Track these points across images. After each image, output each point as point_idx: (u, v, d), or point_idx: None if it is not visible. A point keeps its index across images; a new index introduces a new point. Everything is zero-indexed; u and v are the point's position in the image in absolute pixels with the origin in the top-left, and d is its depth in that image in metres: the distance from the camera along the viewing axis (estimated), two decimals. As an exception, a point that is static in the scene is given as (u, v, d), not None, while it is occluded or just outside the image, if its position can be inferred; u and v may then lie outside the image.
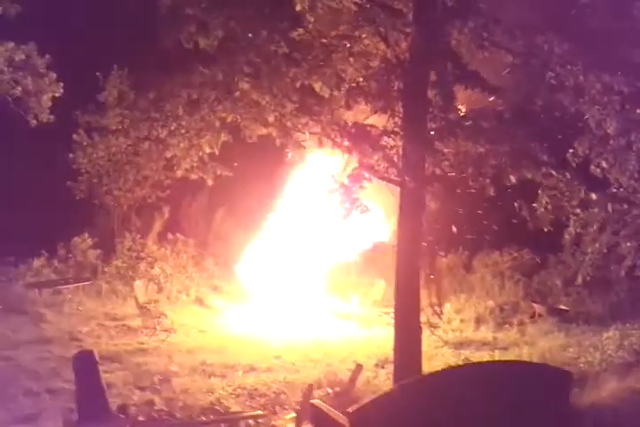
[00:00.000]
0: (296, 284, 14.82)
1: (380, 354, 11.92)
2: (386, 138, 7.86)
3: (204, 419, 8.16)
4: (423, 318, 9.01)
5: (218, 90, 7.83)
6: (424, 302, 9.27)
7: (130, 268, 15.80)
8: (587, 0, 7.37)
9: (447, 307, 13.02)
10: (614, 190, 8.11)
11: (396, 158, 8.02)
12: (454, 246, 14.67)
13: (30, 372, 10.64)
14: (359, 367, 8.46)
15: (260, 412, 8.23)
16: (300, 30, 7.52)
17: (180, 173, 9.78)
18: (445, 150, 7.89)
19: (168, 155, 9.33)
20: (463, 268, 16.05)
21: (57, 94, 14.82)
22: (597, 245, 8.57)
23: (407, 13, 7.65)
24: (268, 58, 7.37)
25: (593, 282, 10.84)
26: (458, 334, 12.76)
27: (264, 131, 8.30)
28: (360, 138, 7.82)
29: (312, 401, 7.07)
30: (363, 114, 8.08)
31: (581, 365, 10.66)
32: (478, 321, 13.72)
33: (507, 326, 13.55)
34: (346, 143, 7.94)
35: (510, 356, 11.30)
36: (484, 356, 11.41)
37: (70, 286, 15.17)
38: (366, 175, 8.35)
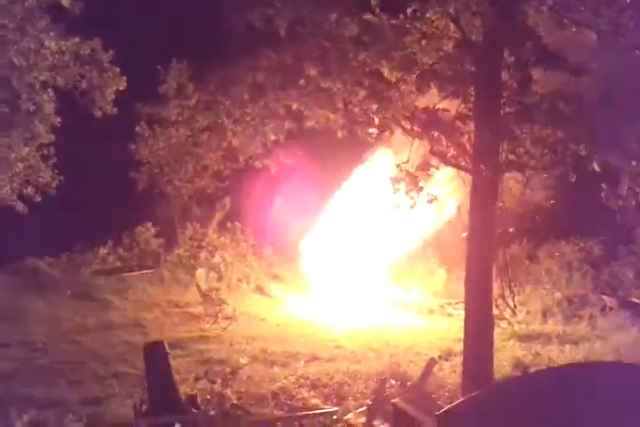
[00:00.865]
0: (357, 272, 14.49)
1: (443, 346, 11.56)
2: (458, 123, 7.41)
3: (281, 414, 7.92)
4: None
5: (284, 74, 7.52)
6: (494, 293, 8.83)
7: (191, 256, 15.80)
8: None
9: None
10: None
11: (468, 145, 7.58)
12: (519, 236, 14.00)
13: (98, 356, 10.77)
14: (432, 362, 8.09)
15: (335, 408, 7.93)
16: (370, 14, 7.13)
17: (242, 160, 9.59)
18: (521, 136, 7.38)
19: (234, 143, 9.10)
20: (527, 258, 15.34)
21: (120, 88, 14.89)
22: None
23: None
24: (337, 41, 7.02)
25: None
26: (524, 326, 12.19)
27: (331, 117, 7.96)
28: (431, 124, 7.40)
29: (393, 401, 6.71)
30: (433, 99, 7.64)
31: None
32: (545, 314, 13.12)
33: (576, 319, 12.90)
34: (416, 129, 7.53)
35: (582, 350, 10.74)
36: (553, 350, 10.88)
37: (135, 273, 15.27)
38: (433, 163, 7.96)
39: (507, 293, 8.49)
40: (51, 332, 11.87)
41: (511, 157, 7.49)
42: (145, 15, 14.66)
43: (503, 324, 11.39)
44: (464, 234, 8.14)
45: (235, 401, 8.08)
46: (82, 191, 15.28)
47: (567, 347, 11.10)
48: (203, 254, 15.84)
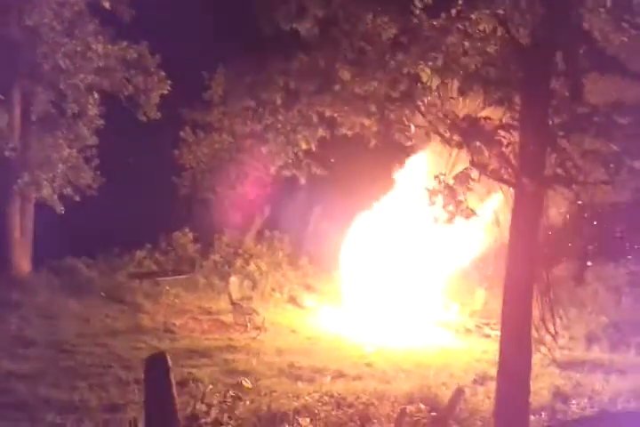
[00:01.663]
0: (392, 287, 13.83)
1: (479, 369, 10.81)
2: (502, 133, 6.76)
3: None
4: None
5: (317, 79, 7.03)
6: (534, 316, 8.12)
7: (226, 263, 15.51)
8: None
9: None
10: None
11: (512, 157, 6.91)
12: (564, 256, 13.09)
13: (123, 360, 10.45)
14: (460, 392, 7.38)
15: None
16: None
17: (273, 170, 9.15)
18: (570, 148, 6.68)
19: (264, 150, 8.67)
20: (572, 280, 14.35)
21: (165, 92, 14.83)
22: None
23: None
24: (373, 43, 6.50)
25: None
26: (567, 352, 11.30)
27: (366, 122, 7.41)
28: (472, 132, 6.77)
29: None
30: (475, 106, 7.02)
31: None
32: (590, 340, 12.18)
33: (623, 346, 11.90)
34: (456, 138, 6.91)
35: (629, 381, 9.82)
36: (597, 379, 9.98)
37: (169, 277, 15.04)
38: (473, 176, 7.31)
39: (548, 316, 7.74)
40: (80, 333, 11.67)
41: (558, 170, 6.79)
42: (189, 19, 14.50)
43: (543, 349, 10.54)
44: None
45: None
46: (123, 194, 15.23)
47: (613, 377, 10.21)
48: (238, 262, 15.52)
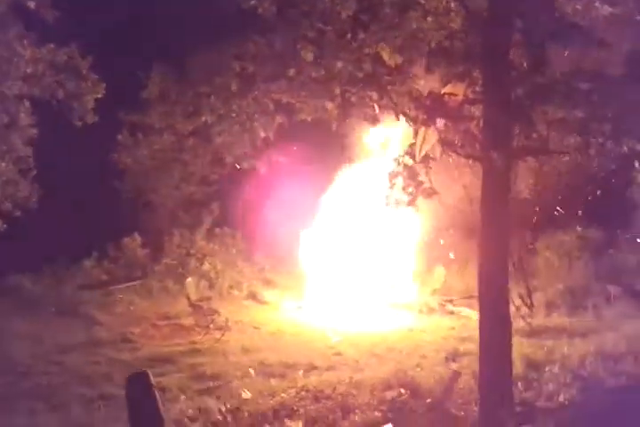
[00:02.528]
0: (351, 273, 13.54)
1: (449, 346, 10.68)
2: (466, 108, 6.51)
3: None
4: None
5: (273, 62, 6.57)
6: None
7: (180, 265, 14.79)
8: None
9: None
10: None
11: (478, 132, 6.68)
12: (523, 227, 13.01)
13: (82, 377, 9.75)
14: (456, 375, 7.15)
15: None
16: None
17: (230, 162, 8.61)
18: (535, 118, 6.50)
19: (218, 142, 8.13)
20: (526, 250, 14.31)
21: (99, 95, 13.91)
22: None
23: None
24: (333, 22, 6.10)
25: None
26: (529, 320, 11.31)
27: (329, 106, 7.00)
28: (437, 110, 6.49)
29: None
30: (438, 83, 6.74)
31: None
32: (549, 307, 12.20)
33: (581, 310, 11.97)
34: (421, 117, 6.61)
35: (592, 343, 9.88)
36: (563, 344, 10.00)
37: (121, 285, 14.24)
38: (431, 155, 7.07)
39: (522, 288, 7.63)
40: (34, 353, 10.76)
41: (525, 142, 6.61)
42: (120, 14, 13.66)
43: (522, 323, 10.46)
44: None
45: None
46: (64, 203, 14.29)
47: (577, 340, 10.21)
48: (192, 262, 14.85)
